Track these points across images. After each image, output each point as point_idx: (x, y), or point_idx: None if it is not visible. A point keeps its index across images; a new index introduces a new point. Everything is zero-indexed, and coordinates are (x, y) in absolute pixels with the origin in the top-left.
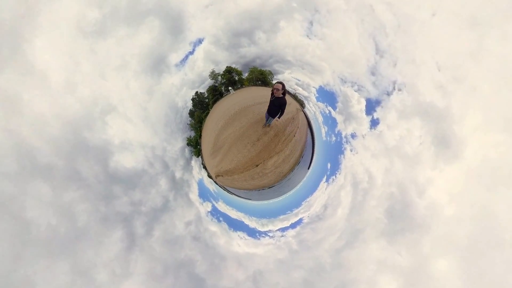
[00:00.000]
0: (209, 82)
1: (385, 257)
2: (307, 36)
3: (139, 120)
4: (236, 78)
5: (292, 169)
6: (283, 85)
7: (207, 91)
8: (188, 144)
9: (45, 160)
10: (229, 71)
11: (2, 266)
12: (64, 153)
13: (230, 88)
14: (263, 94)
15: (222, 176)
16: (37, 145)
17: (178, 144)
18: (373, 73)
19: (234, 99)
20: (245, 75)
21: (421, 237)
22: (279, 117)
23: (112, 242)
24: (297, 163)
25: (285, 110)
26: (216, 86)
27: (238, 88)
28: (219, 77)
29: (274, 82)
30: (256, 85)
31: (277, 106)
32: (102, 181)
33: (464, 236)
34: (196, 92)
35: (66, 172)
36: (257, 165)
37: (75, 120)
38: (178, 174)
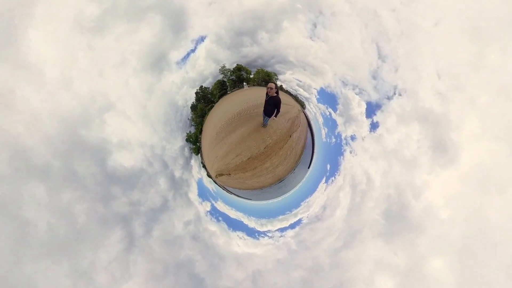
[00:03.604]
0: (209, 81)
1: (382, 257)
2: (310, 37)
3: (138, 118)
4: (245, 76)
5: (300, 156)
6: (276, 84)
7: (214, 85)
8: (187, 140)
9: (40, 160)
10: (239, 68)
11: (2, 267)
12: (59, 152)
13: (244, 83)
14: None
15: (229, 174)
16: (31, 144)
17: (177, 143)
18: (374, 77)
19: (246, 95)
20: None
21: (417, 238)
22: (275, 116)
23: (111, 243)
24: (302, 152)
25: (290, 112)
26: (225, 81)
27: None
28: (229, 73)
29: (277, 83)
30: (260, 85)
31: (272, 105)
32: (99, 181)
33: (458, 237)
34: (201, 87)
35: (62, 172)
36: (290, 136)
37: (71, 118)
38: (177, 174)
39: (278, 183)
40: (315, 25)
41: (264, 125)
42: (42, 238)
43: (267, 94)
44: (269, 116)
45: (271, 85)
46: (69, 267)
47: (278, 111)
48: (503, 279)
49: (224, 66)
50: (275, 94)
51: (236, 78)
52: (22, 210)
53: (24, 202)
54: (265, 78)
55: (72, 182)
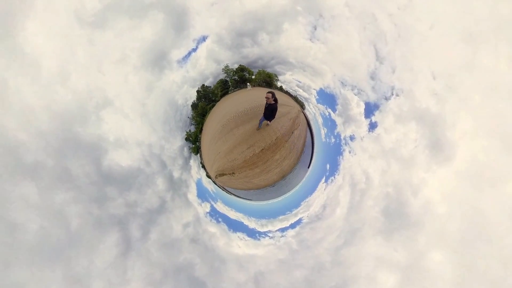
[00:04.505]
0: (210, 81)
1: (383, 254)
2: (310, 39)
3: (137, 116)
4: (247, 77)
5: (301, 153)
6: (273, 94)
7: (217, 84)
8: (186, 139)
9: (32, 157)
10: (242, 69)
11: None
12: (52, 149)
13: (248, 84)
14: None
15: (233, 173)
16: (23, 140)
17: (176, 142)
18: (372, 78)
19: (251, 94)
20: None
21: (416, 234)
22: (270, 121)
23: (107, 247)
24: (303, 149)
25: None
26: (227, 80)
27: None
28: (232, 73)
29: (277, 84)
30: (261, 86)
31: (270, 111)
32: (94, 181)
33: (455, 231)
34: (202, 85)
35: (55, 171)
36: (293, 133)
37: (66, 113)
38: (176, 174)
39: (281, 180)
40: (315, 27)
41: (258, 128)
42: (33, 242)
43: (266, 101)
44: (268, 119)
45: (268, 95)
46: (62, 273)
47: (273, 117)
48: (499, 268)
49: (227, 66)
50: (273, 102)
51: (238, 78)
52: (11, 211)
53: (13, 203)
54: (266, 79)
55: (66, 182)
